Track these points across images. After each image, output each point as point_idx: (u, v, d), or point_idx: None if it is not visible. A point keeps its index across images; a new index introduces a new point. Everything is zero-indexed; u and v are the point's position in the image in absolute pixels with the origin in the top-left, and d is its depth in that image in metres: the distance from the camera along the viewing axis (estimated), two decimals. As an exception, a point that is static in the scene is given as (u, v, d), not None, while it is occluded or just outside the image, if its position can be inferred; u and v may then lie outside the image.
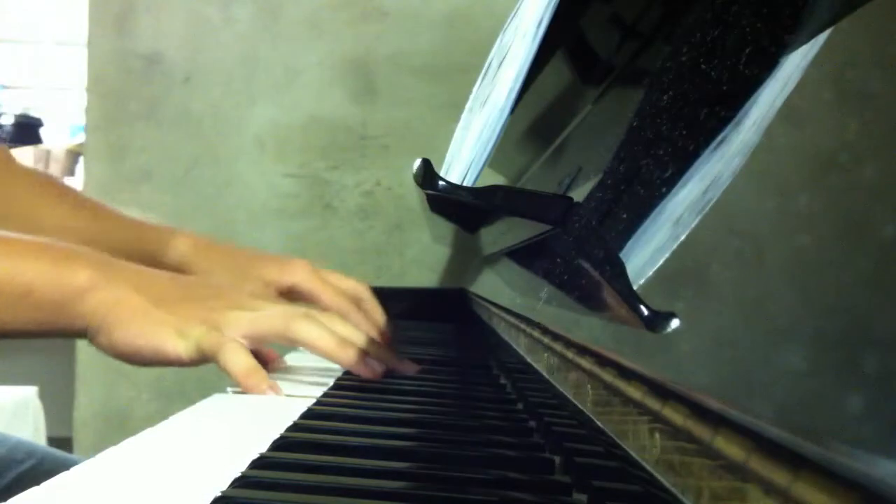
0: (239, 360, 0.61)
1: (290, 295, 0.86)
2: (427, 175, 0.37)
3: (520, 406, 0.56)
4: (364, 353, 0.64)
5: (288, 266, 0.89)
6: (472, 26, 1.40)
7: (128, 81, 1.45)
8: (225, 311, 0.64)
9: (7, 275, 0.62)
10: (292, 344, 0.65)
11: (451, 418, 0.51)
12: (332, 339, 0.63)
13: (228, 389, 0.61)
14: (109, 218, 0.91)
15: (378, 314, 0.82)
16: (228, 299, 0.67)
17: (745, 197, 0.24)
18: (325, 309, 0.82)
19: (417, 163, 0.38)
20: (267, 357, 0.74)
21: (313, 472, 0.37)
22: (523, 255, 0.56)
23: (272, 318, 0.64)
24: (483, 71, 0.93)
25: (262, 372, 0.61)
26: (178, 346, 0.62)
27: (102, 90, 1.46)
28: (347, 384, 0.63)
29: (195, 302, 0.65)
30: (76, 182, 2.54)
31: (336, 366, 0.65)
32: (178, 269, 0.88)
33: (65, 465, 0.37)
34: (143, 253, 0.87)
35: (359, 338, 0.66)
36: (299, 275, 0.87)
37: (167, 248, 0.89)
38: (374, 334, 0.72)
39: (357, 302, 0.83)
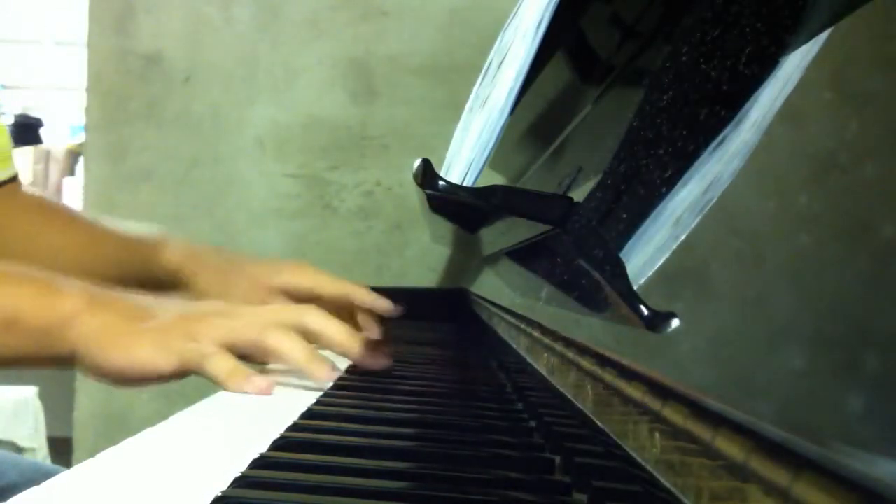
0: (220, 365, 0.61)
1: (289, 297, 0.86)
2: (427, 175, 0.37)
3: (520, 406, 0.56)
4: (331, 368, 0.63)
5: (279, 267, 0.89)
6: (472, 26, 1.40)
7: (128, 81, 1.45)
8: (201, 320, 0.65)
9: None
10: (267, 353, 0.66)
11: (451, 418, 0.51)
12: (303, 352, 0.63)
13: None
14: (103, 235, 0.91)
15: (379, 303, 0.83)
16: (206, 309, 0.68)
17: (745, 197, 0.24)
18: (327, 300, 0.82)
19: (417, 163, 0.38)
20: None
21: (313, 472, 0.37)
22: (523, 255, 0.56)
23: (247, 327, 0.65)
24: (483, 71, 0.93)
25: (246, 370, 0.61)
26: (159, 360, 0.63)
27: (102, 90, 1.46)
28: (347, 384, 0.63)
29: (172, 316, 0.66)
30: (76, 182, 2.54)
31: (338, 362, 0.65)
32: (172, 276, 0.89)
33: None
34: (139, 266, 0.88)
35: (336, 334, 0.66)
36: (290, 275, 0.87)
37: (160, 258, 0.90)
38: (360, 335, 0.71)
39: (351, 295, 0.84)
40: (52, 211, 0.94)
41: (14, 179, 0.90)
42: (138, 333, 0.64)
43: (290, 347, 0.64)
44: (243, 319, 0.66)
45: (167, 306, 0.68)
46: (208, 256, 0.93)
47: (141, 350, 0.63)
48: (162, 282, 0.87)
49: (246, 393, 0.60)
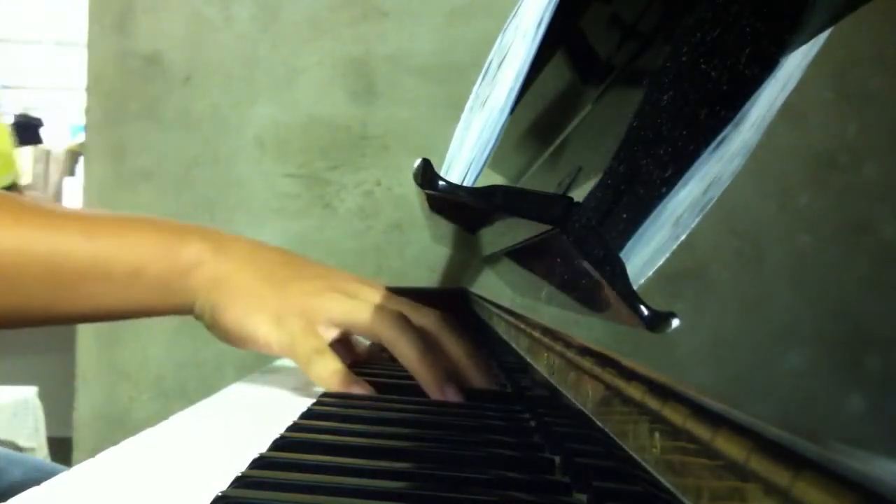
0: (325, 370, 0.60)
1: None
2: (427, 175, 0.37)
3: (520, 406, 0.56)
4: (445, 377, 0.60)
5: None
6: (472, 26, 1.40)
7: (128, 81, 1.45)
8: (325, 294, 0.64)
9: (117, 255, 0.62)
10: (381, 343, 0.64)
11: (451, 418, 0.51)
12: (419, 353, 0.61)
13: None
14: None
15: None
16: (331, 281, 0.66)
17: (745, 197, 0.24)
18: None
19: (417, 163, 0.38)
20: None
21: (313, 472, 0.37)
22: (523, 255, 0.56)
23: (368, 313, 0.63)
24: (483, 71, 0.93)
25: (350, 375, 0.60)
26: (272, 335, 0.62)
27: (102, 90, 1.46)
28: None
29: (299, 282, 0.64)
30: (76, 182, 2.54)
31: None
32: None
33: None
34: None
35: (452, 352, 0.63)
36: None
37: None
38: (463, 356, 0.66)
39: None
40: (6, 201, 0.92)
41: (13, 187, 0.89)
42: (261, 298, 0.62)
43: (409, 347, 0.61)
44: (366, 303, 0.64)
45: (295, 265, 0.66)
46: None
47: (258, 321, 0.62)
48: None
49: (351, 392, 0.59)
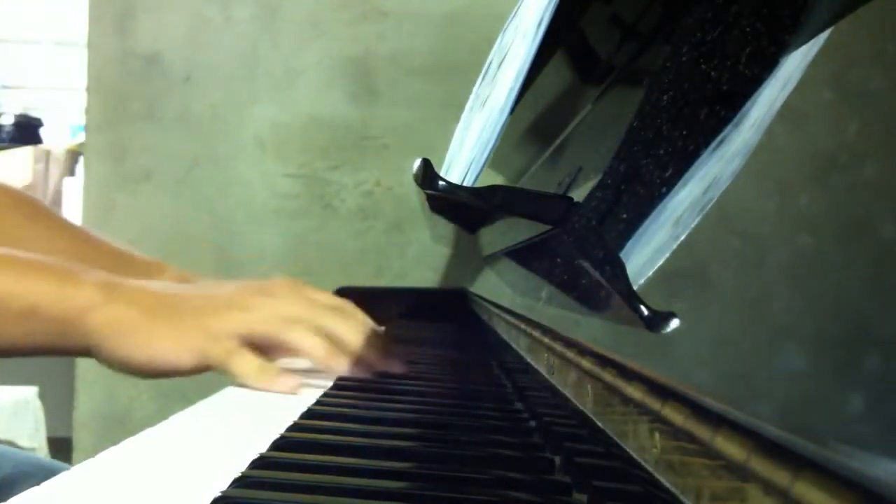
0: (246, 364, 0.61)
1: None
2: (427, 175, 0.37)
3: (520, 406, 0.56)
4: (355, 358, 0.64)
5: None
6: (472, 26, 1.40)
7: (128, 81, 1.45)
8: (218, 311, 0.65)
9: (12, 292, 0.64)
10: (284, 348, 0.65)
11: (451, 418, 0.51)
12: (324, 347, 0.63)
13: (229, 388, 0.61)
14: (95, 245, 0.90)
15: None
16: (221, 300, 0.67)
17: (745, 197, 0.24)
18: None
19: (417, 163, 0.38)
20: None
21: (313, 472, 0.37)
22: (523, 255, 0.56)
23: (267, 320, 0.65)
24: (483, 71, 0.93)
25: (275, 369, 0.61)
26: (179, 357, 0.63)
27: (102, 90, 1.46)
28: (347, 384, 0.63)
29: (189, 307, 0.66)
30: (76, 182, 2.54)
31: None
32: None
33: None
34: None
35: (352, 338, 0.66)
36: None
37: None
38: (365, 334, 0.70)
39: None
40: (39, 214, 0.93)
41: None
42: (156, 327, 0.64)
43: (312, 343, 0.63)
44: (260, 312, 0.65)
45: (184, 296, 0.68)
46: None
47: (160, 346, 0.63)
48: None
49: (274, 392, 0.60)
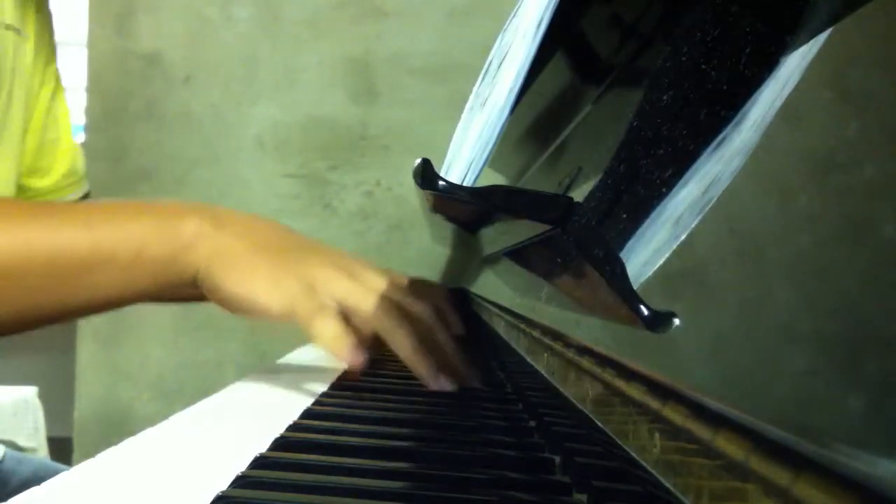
0: (328, 327, 0.60)
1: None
2: (427, 175, 0.37)
3: (520, 406, 0.56)
4: (438, 366, 0.61)
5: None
6: (472, 26, 1.40)
7: (128, 81, 1.45)
8: (325, 267, 0.64)
9: (119, 240, 0.63)
10: (373, 331, 0.64)
11: (450, 418, 0.51)
12: (414, 345, 0.61)
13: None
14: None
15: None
16: (331, 257, 0.66)
17: (745, 197, 0.24)
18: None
19: (417, 163, 0.38)
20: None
21: (313, 472, 0.37)
22: (523, 255, 0.56)
23: (367, 299, 0.63)
24: (483, 71, 0.93)
25: (349, 340, 0.60)
26: (272, 300, 0.62)
27: (102, 90, 1.46)
28: (347, 384, 0.63)
29: (297, 256, 0.64)
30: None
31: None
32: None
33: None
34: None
35: (444, 346, 0.64)
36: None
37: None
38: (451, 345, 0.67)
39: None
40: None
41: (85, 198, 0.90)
42: (259, 264, 0.63)
43: (402, 338, 0.62)
44: (365, 287, 0.64)
45: (291, 239, 0.67)
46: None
47: (256, 284, 0.62)
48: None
49: (340, 360, 0.59)
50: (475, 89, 0.95)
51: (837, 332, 0.16)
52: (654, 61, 0.42)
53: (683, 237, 0.26)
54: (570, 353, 0.35)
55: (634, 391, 0.25)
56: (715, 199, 0.25)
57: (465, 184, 0.59)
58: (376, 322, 0.62)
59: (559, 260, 0.38)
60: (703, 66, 0.32)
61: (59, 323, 0.66)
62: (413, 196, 1.33)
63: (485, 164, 0.67)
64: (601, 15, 0.58)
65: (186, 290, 0.65)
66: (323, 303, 0.62)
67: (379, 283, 0.66)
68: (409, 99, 1.43)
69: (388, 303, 0.63)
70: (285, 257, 0.64)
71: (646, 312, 0.24)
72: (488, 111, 0.73)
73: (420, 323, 0.64)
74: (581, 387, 0.33)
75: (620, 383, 0.27)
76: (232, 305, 0.63)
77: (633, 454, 0.25)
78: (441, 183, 0.38)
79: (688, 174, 0.28)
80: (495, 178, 0.73)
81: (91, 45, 1.47)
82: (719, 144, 0.27)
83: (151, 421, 0.47)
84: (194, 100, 1.45)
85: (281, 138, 1.44)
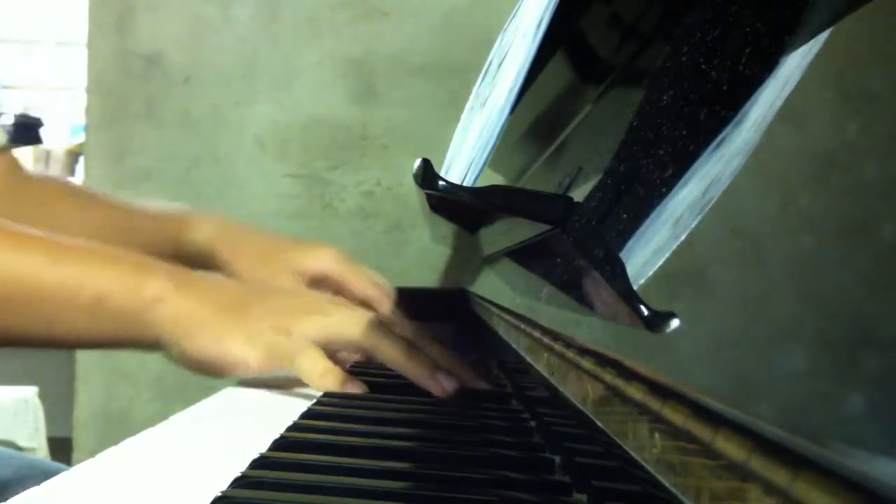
0: (312, 365, 0.60)
1: (319, 283, 0.84)
2: (427, 175, 0.37)
3: (520, 406, 0.56)
4: (434, 367, 0.61)
5: (316, 252, 0.86)
6: (472, 26, 1.40)
7: (128, 81, 1.45)
8: (295, 314, 0.64)
9: (82, 283, 0.63)
10: (364, 353, 0.64)
11: (451, 418, 0.51)
12: (403, 350, 0.61)
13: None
14: (124, 212, 0.90)
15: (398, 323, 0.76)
16: (299, 303, 0.66)
17: (745, 197, 0.24)
18: (354, 298, 0.81)
19: (417, 163, 0.38)
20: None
21: (313, 472, 0.37)
22: (523, 255, 0.56)
23: (346, 324, 0.63)
24: (483, 71, 0.93)
25: (339, 373, 0.60)
26: (247, 354, 0.61)
27: (102, 90, 1.46)
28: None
29: (264, 308, 0.64)
30: (76, 182, 2.54)
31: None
32: (202, 254, 0.87)
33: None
34: (165, 243, 0.86)
35: (432, 347, 0.64)
36: (327, 262, 0.85)
37: (189, 232, 0.88)
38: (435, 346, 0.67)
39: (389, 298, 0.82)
40: (69, 191, 0.93)
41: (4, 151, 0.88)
42: (226, 323, 0.62)
43: (393, 349, 0.61)
44: (340, 317, 0.64)
45: (259, 296, 0.67)
46: (246, 238, 0.89)
47: (230, 341, 0.61)
48: (193, 261, 0.83)
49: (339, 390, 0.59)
50: (475, 89, 0.95)
51: (837, 332, 0.16)
52: (654, 61, 0.42)
53: (683, 237, 0.26)
54: (570, 353, 0.35)
55: (634, 391, 0.25)
56: (715, 199, 0.25)
57: (465, 184, 0.59)
58: (361, 340, 0.62)
59: (559, 260, 0.38)
60: (703, 66, 0.32)
61: (18, 347, 0.66)
62: (413, 196, 1.33)
63: (485, 164, 0.66)
64: (601, 15, 0.58)
65: (155, 349, 0.65)
66: (304, 344, 0.61)
67: (352, 311, 0.66)
68: (409, 99, 1.43)
69: (368, 320, 0.63)
70: (250, 312, 0.63)
71: (645, 312, 0.24)
72: (488, 111, 0.73)
73: (404, 331, 0.64)
74: (581, 387, 0.33)
75: (620, 383, 0.27)
76: (208, 369, 0.63)
77: (633, 454, 0.25)
78: (441, 183, 0.38)
79: (688, 174, 0.28)
80: (495, 178, 0.73)
81: (91, 45, 1.47)
82: (719, 144, 0.27)
83: (151, 421, 0.47)
84: (194, 100, 1.45)
85: (281, 138, 1.44)
